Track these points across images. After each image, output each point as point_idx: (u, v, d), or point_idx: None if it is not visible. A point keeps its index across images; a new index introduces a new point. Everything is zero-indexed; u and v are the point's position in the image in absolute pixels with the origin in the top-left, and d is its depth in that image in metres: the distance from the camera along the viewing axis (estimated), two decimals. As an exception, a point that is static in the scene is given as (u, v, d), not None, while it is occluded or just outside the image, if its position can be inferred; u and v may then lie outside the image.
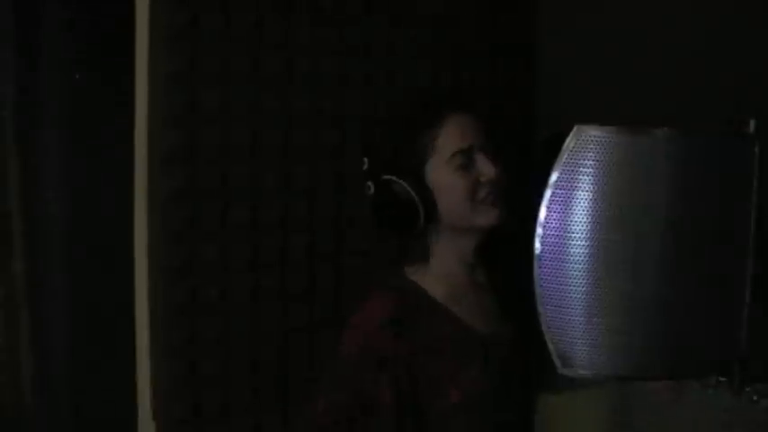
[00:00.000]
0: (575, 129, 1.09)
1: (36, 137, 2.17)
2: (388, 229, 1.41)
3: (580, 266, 1.09)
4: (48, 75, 2.14)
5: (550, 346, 1.12)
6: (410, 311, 1.37)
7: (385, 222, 1.39)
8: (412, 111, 1.43)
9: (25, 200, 2.18)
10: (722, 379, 1.19)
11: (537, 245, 1.11)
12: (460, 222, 1.39)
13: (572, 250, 1.09)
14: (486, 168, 1.37)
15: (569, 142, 1.09)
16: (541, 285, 1.11)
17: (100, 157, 2.01)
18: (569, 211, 1.09)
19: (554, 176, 1.09)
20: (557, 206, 1.09)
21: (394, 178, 1.36)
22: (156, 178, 1.56)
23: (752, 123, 1.14)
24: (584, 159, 1.08)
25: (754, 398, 1.20)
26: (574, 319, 1.10)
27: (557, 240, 1.10)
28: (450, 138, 1.36)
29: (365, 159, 1.40)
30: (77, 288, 2.10)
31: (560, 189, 1.09)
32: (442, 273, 1.42)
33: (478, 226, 1.40)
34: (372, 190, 1.38)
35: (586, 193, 1.08)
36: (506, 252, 1.48)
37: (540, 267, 1.11)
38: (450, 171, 1.37)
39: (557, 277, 1.10)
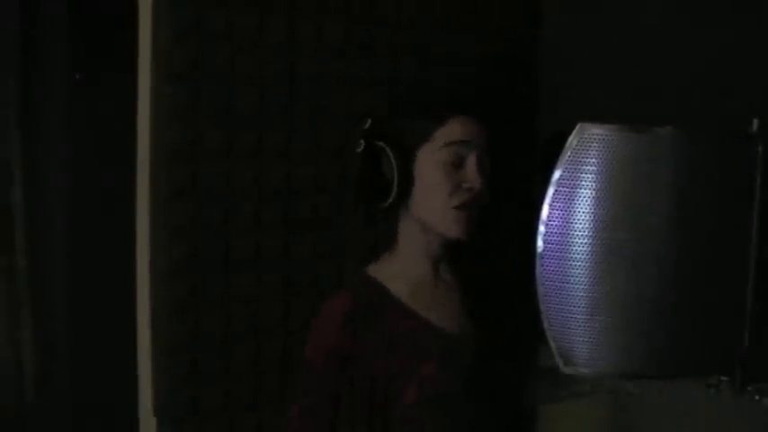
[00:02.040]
0: (578, 126, 1.09)
1: (39, 135, 2.18)
2: (360, 193, 1.41)
3: (582, 264, 1.09)
4: (51, 73, 2.15)
5: (552, 344, 1.12)
6: (368, 308, 1.37)
7: (360, 185, 1.39)
8: (426, 98, 1.44)
9: (28, 197, 2.19)
10: (724, 378, 1.19)
11: (539, 243, 1.11)
12: (425, 219, 1.38)
13: (574, 248, 1.10)
14: (472, 176, 1.36)
15: (572, 140, 1.09)
16: (543, 283, 1.11)
17: (102, 155, 2.02)
18: (572, 209, 1.09)
19: (557, 174, 1.09)
20: (559, 204, 1.10)
21: (385, 147, 1.36)
22: (158, 176, 1.56)
23: (755, 123, 1.14)
24: (587, 157, 1.08)
25: (756, 397, 1.20)
26: (575, 318, 1.10)
27: (559, 238, 1.10)
28: (450, 130, 1.36)
29: (368, 119, 1.40)
30: (79, 285, 2.11)
31: (563, 187, 1.09)
32: (405, 267, 1.42)
33: (440, 233, 1.39)
34: (361, 148, 1.38)
35: (589, 191, 1.08)
36: (474, 250, 1.48)
37: (542, 265, 1.11)
38: (437, 162, 1.36)
39: (559, 275, 1.11)
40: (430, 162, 1.36)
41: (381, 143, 1.36)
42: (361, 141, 1.38)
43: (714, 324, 1.15)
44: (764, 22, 1.60)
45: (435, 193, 1.36)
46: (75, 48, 2.11)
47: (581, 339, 1.11)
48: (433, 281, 1.43)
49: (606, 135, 1.09)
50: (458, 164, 1.36)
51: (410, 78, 1.81)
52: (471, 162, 1.36)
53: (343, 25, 1.73)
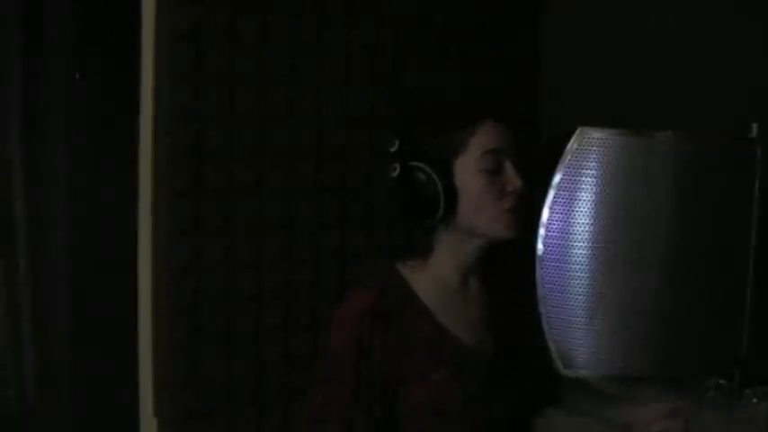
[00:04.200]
0: (578, 131, 1.10)
1: (41, 136, 2.18)
2: (404, 217, 1.40)
3: (582, 267, 1.10)
4: (53, 74, 2.15)
5: (552, 347, 1.13)
6: (391, 307, 1.37)
7: (403, 208, 1.38)
8: (452, 108, 1.43)
9: (29, 199, 2.19)
10: (722, 381, 1.20)
11: (539, 246, 1.12)
12: (474, 226, 1.38)
13: (574, 251, 1.10)
14: (514, 178, 1.36)
15: (572, 144, 1.10)
16: (543, 286, 1.12)
17: (106, 157, 2.02)
18: (571, 213, 1.10)
19: (557, 178, 1.10)
20: (559, 207, 1.10)
21: (422, 165, 1.35)
22: (161, 177, 1.56)
23: (754, 127, 1.15)
24: (586, 161, 1.09)
25: (754, 400, 1.21)
26: (575, 320, 1.11)
27: (559, 242, 1.11)
28: (484, 138, 1.35)
29: (395, 140, 1.39)
30: (80, 287, 2.11)
31: (563, 190, 1.10)
32: (436, 274, 1.42)
33: (492, 236, 1.39)
34: (398, 172, 1.37)
35: (589, 195, 1.09)
36: (504, 264, 1.48)
37: (542, 268, 1.12)
38: (476, 172, 1.35)
39: (558, 278, 1.11)
40: (469, 172, 1.35)
41: (417, 163, 1.35)
42: (396, 165, 1.37)
43: (713, 327, 1.15)
44: (764, 27, 1.60)
45: (484, 201, 1.35)
46: (78, 48, 2.11)
47: (581, 341, 1.12)
48: (460, 292, 1.43)
49: (606, 139, 1.09)
50: (496, 170, 1.36)
51: (411, 80, 1.82)
52: (509, 165, 1.36)
53: (345, 28, 1.74)
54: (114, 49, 1.93)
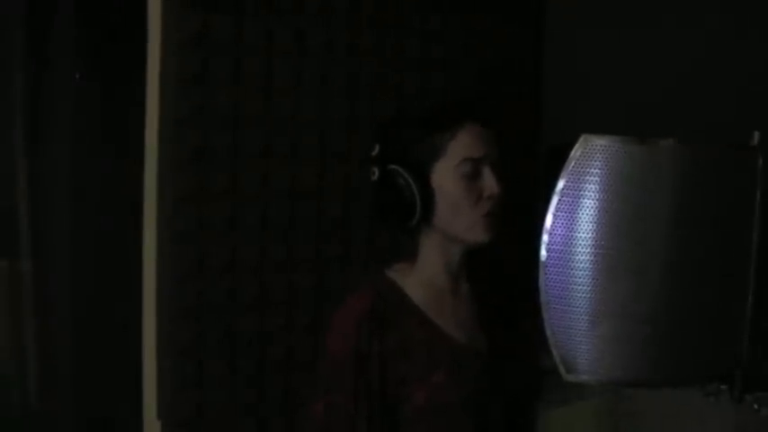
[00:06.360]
0: (581, 138, 1.10)
1: (45, 138, 2.18)
2: (383, 220, 1.41)
3: (585, 273, 1.11)
4: (57, 75, 2.16)
5: (554, 352, 1.13)
6: (386, 311, 1.38)
7: (382, 211, 1.40)
8: (432, 111, 1.44)
9: (32, 200, 2.20)
10: (723, 387, 1.20)
11: (543, 252, 1.12)
12: (451, 231, 1.40)
13: (577, 257, 1.11)
14: (491, 183, 1.37)
15: (576, 151, 1.10)
16: (546, 292, 1.12)
17: (110, 159, 2.03)
18: (575, 219, 1.10)
19: (560, 184, 1.11)
20: (563, 213, 1.11)
21: (400, 169, 1.36)
22: (165, 180, 1.57)
23: (756, 135, 1.15)
24: (590, 168, 1.10)
25: (755, 406, 1.22)
26: (578, 326, 1.11)
27: (562, 248, 1.11)
28: (463, 144, 1.36)
29: (376, 145, 1.40)
30: (84, 289, 2.11)
31: (566, 197, 1.11)
32: (424, 276, 1.43)
33: (467, 241, 1.41)
34: (376, 176, 1.38)
35: (592, 202, 1.10)
36: (493, 265, 1.49)
37: (545, 274, 1.12)
38: (455, 177, 1.37)
39: (562, 284, 1.12)
40: (447, 177, 1.36)
41: (395, 167, 1.36)
42: (375, 170, 1.38)
43: (714, 333, 1.16)
44: (765, 37, 1.61)
45: (461, 206, 1.37)
46: (82, 50, 2.11)
47: (583, 347, 1.12)
48: (451, 292, 1.45)
49: (609, 146, 1.10)
50: (474, 174, 1.37)
51: (415, 86, 1.83)
52: (487, 170, 1.37)
53: (349, 33, 1.75)
54: (120, 51, 1.94)
